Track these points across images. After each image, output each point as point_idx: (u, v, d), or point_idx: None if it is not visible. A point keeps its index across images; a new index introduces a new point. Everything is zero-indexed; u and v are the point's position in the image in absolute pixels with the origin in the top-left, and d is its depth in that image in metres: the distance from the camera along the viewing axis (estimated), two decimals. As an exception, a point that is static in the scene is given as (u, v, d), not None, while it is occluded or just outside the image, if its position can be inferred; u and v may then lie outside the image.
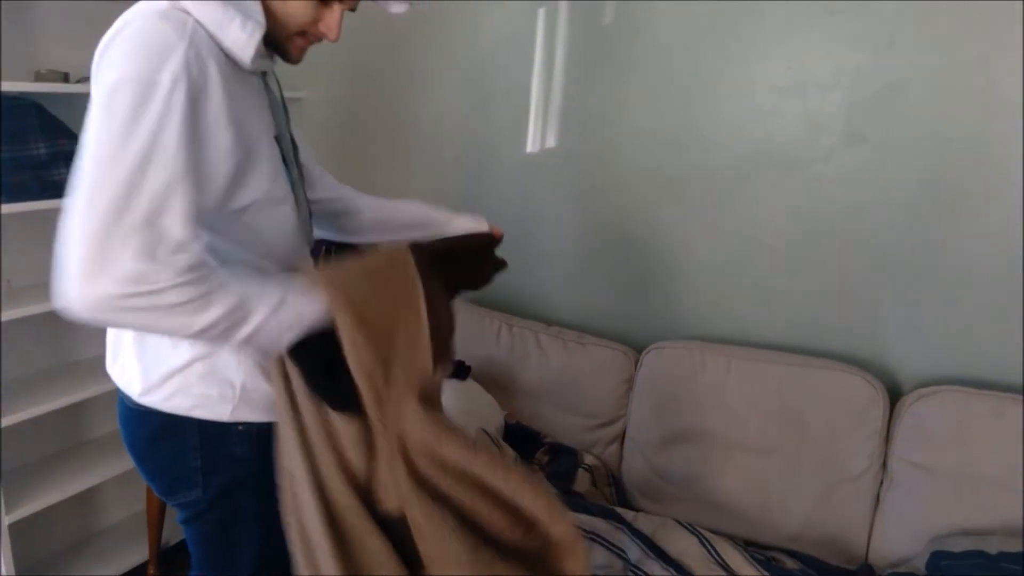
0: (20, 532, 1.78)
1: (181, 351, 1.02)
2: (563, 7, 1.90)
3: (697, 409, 1.70)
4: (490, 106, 2.06)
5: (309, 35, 1.02)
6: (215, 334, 0.87)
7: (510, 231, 2.07)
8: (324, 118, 2.42)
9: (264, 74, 1.06)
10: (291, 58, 1.05)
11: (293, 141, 1.13)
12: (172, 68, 0.86)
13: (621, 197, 1.91)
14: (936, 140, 1.52)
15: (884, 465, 1.55)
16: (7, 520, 1.72)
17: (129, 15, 0.91)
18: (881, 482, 1.56)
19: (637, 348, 1.86)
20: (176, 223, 0.84)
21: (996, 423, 1.44)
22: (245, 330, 0.89)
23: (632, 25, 1.80)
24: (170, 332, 0.92)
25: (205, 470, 1.08)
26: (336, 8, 1.00)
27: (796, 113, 1.65)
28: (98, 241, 0.80)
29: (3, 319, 1.68)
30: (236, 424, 1.06)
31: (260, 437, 1.08)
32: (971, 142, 1.49)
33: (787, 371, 1.64)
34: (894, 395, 1.59)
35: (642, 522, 1.50)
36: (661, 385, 1.75)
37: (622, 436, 1.83)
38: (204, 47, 0.90)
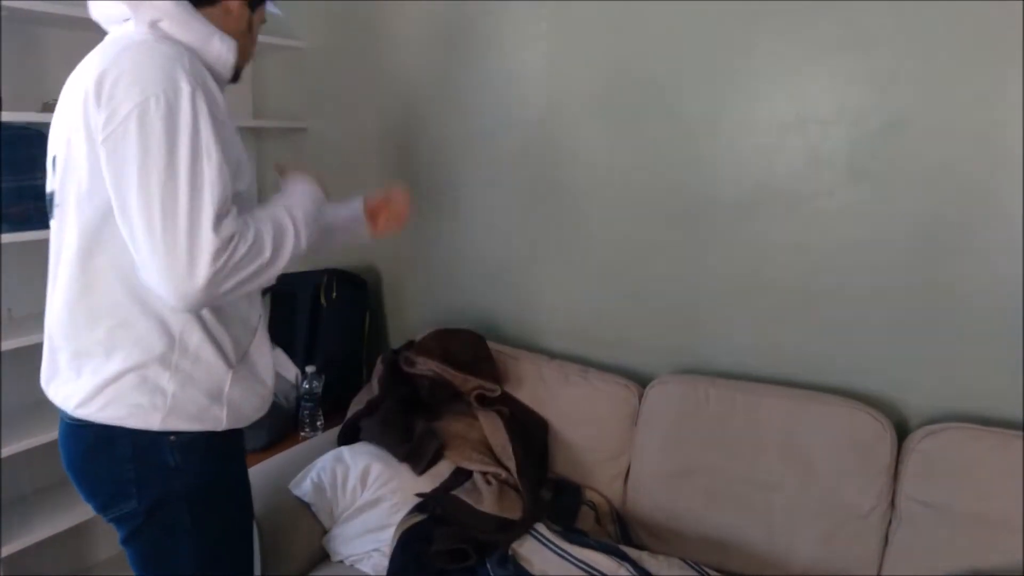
0: (15, 565, 1.75)
1: (114, 362, 1.07)
2: (568, 42, 1.91)
3: (702, 444, 1.68)
4: (496, 137, 2.07)
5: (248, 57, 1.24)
6: (284, 251, 1.07)
7: (512, 263, 2.09)
8: (325, 148, 2.44)
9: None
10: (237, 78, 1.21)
11: None
12: (186, 76, 0.99)
13: (624, 231, 1.91)
14: (938, 176, 1.52)
15: (892, 503, 1.53)
16: (2, 552, 1.70)
17: (114, 51, 1.00)
18: (890, 521, 1.53)
19: (641, 382, 1.85)
20: (218, 199, 0.99)
21: (1004, 461, 1.41)
22: (292, 232, 1.09)
23: (636, 60, 1.82)
24: (260, 277, 1.05)
25: (139, 481, 1.11)
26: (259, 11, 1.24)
27: (798, 149, 1.66)
28: (188, 242, 0.95)
29: (3, 348, 1.67)
30: (167, 434, 1.10)
31: (193, 448, 1.12)
32: (972, 179, 1.49)
33: (792, 406, 1.62)
34: (901, 431, 1.57)
35: (647, 561, 1.47)
36: (665, 420, 1.73)
37: (626, 472, 1.80)
38: (199, 63, 1.05)
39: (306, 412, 2.11)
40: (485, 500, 1.59)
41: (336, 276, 2.29)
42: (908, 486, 1.50)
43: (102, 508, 1.15)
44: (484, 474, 1.68)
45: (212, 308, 1.11)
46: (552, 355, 2.00)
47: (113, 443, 1.10)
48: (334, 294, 2.26)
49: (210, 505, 1.17)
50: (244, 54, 1.20)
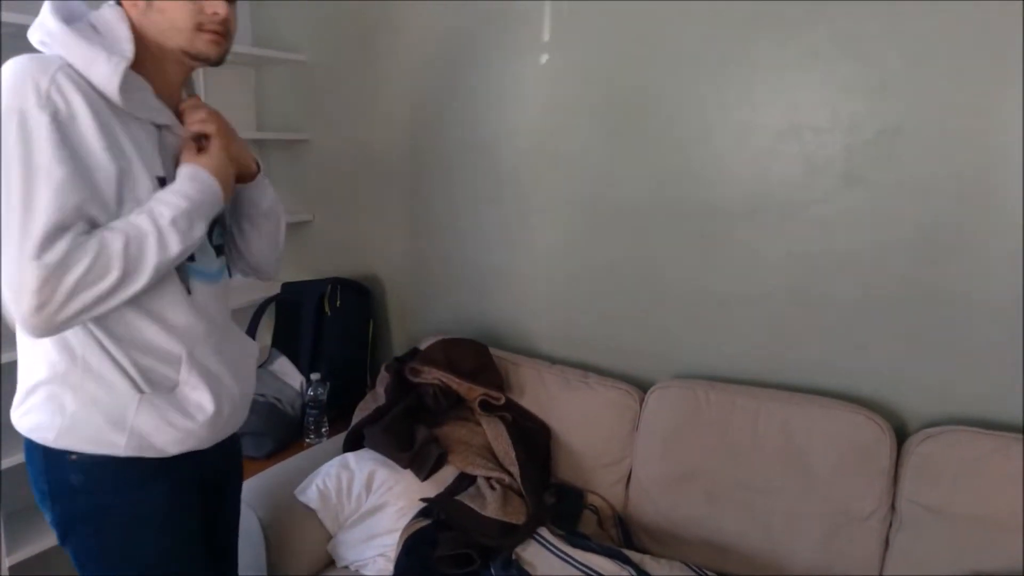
0: (20, 574, 1.77)
1: (32, 375, 1.10)
2: (565, 54, 1.94)
3: (702, 449, 1.70)
4: (496, 148, 2.09)
5: (206, 26, 1.07)
6: (144, 263, 0.99)
7: (512, 269, 2.11)
8: (327, 159, 2.46)
9: (162, 127, 1.10)
10: (210, 57, 1.09)
11: None
12: (32, 98, 0.94)
13: (622, 237, 1.93)
14: (933, 182, 1.54)
15: (892, 506, 1.54)
16: (8, 562, 1.71)
17: (11, 61, 0.99)
18: (890, 524, 1.54)
19: (641, 387, 1.87)
20: (49, 222, 0.93)
21: (1004, 464, 1.43)
22: (154, 239, 1.00)
23: (630, 70, 1.85)
24: (116, 295, 0.99)
25: (51, 495, 1.13)
26: None
27: (793, 155, 1.68)
28: (13, 271, 0.92)
29: (3, 360, 1.69)
30: (67, 452, 1.09)
31: (97, 471, 1.11)
32: (968, 184, 1.51)
33: (792, 410, 1.63)
34: (900, 434, 1.59)
35: (649, 564, 1.49)
36: (666, 424, 1.75)
37: (628, 476, 1.82)
38: (70, 82, 0.97)
39: (311, 419, 2.13)
40: (489, 505, 1.61)
41: (340, 285, 2.31)
42: (908, 489, 1.51)
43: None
44: (488, 479, 1.70)
45: (106, 331, 1.07)
46: (552, 360, 2.02)
47: (32, 454, 1.13)
48: (338, 303, 2.28)
49: (120, 534, 1.13)
50: (192, 38, 1.07)
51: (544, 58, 1.97)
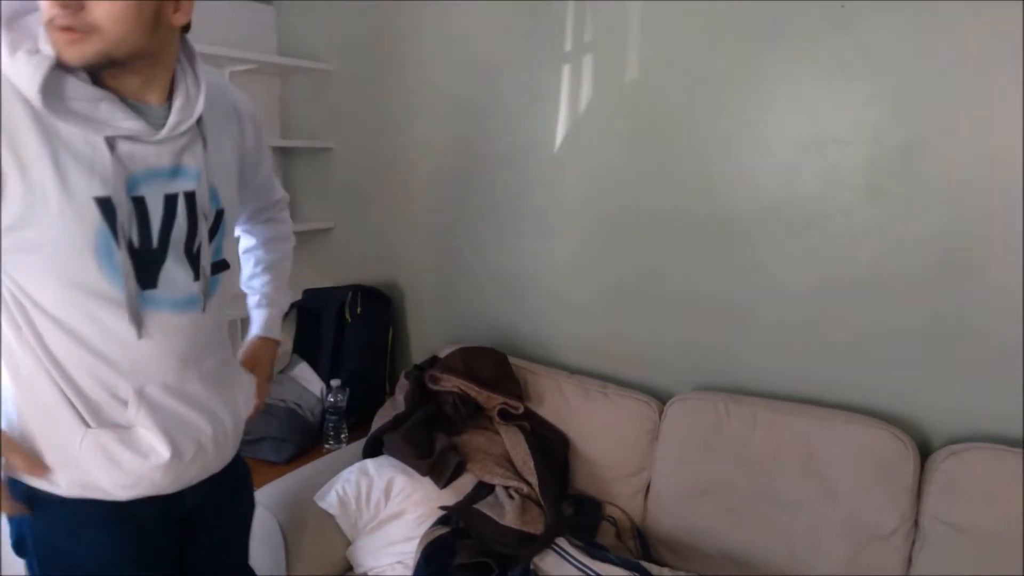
0: None
1: None
2: (587, 64, 1.95)
3: (722, 462, 1.69)
4: (516, 158, 2.10)
5: (55, 20, 0.86)
6: None
7: (532, 278, 2.12)
8: (350, 167, 2.49)
9: (115, 142, 0.95)
10: (65, 60, 0.89)
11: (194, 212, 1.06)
12: None
13: (641, 248, 1.93)
14: (956, 196, 1.53)
15: (916, 523, 1.52)
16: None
17: None
18: (913, 541, 1.52)
19: (661, 398, 1.86)
20: None
21: (1029, 481, 1.41)
22: None
23: (652, 81, 1.85)
24: None
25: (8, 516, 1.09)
26: None
27: (815, 169, 1.68)
28: None
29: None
30: (15, 481, 1.05)
31: (41, 504, 1.05)
32: (991, 198, 1.49)
33: (812, 424, 1.62)
34: (923, 451, 1.57)
35: (668, 577, 1.48)
36: (686, 437, 1.74)
37: (647, 488, 1.81)
38: None
39: (331, 425, 2.15)
40: (507, 514, 1.61)
41: (361, 292, 2.33)
42: (931, 506, 1.50)
43: None
44: (506, 488, 1.70)
45: (51, 359, 0.99)
46: (571, 370, 2.02)
47: None
48: (359, 310, 2.30)
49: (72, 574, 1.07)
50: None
51: (567, 69, 1.98)
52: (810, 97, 1.67)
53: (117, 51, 0.90)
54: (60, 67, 0.90)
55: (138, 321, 1.02)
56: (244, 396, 1.25)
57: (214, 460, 1.17)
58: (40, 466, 1.03)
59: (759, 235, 1.76)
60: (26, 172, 0.90)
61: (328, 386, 2.16)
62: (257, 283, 1.43)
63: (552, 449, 1.84)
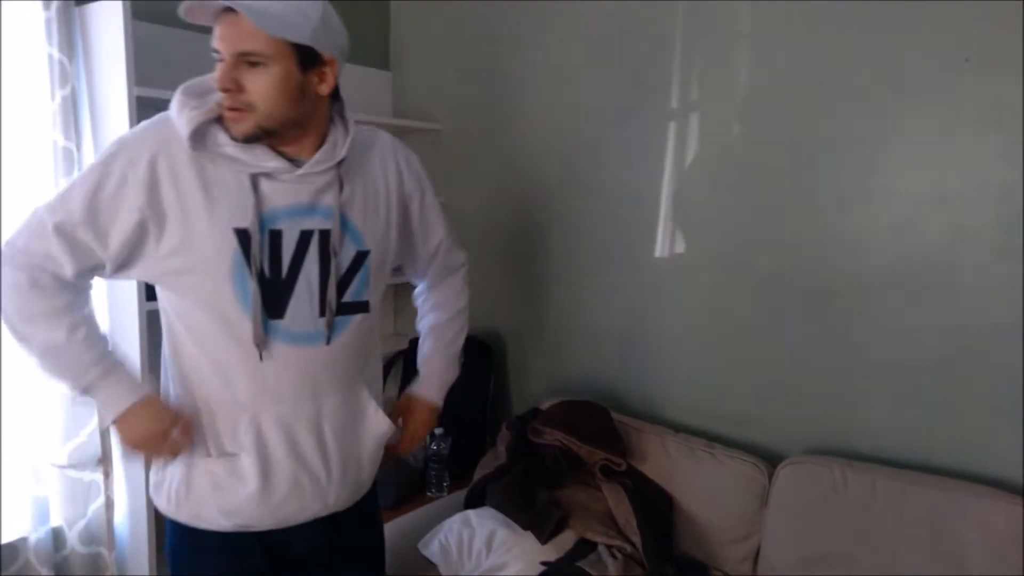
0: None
1: None
2: (693, 122, 1.97)
3: (839, 532, 1.60)
4: (621, 212, 2.12)
5: (223, 104, 1.06)
6: (26, 342, 1.10)
7: (636, 332, 2.11)
8: (460, 221, 2.57)
9: (258, 178, 1.08)
10: (231, 127, 1.07)
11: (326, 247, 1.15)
12: (128, 136, 1.10)
13: (751, 306, 1.90)
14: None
15: (1062, 613, 1.39)
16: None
17: None
18: (1059, 633, 1.39)
19: (770, 460, 1.79)
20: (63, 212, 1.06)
21: None
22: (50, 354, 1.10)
23: (762, 134, 1.84)
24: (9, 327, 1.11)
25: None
26: (221, 64, 1.05)
27: (940, 225, 1.61)
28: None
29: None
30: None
31: (171, 527, 1.22)
32: None
33: (941, 496, 1.52)
34: (1069, 531, 1.44)
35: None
36: (798, 503, 1.67)
37: (755, 554, 1.74)
38: (155, 135, 1.08)
39: (433, 473, 2.19)
40: (610, 574, 1.58)
41: (465, 342, 2.38)
42: (1080, 594, 1.36)
43: None
44: (609, 547, 1.68)
45: (185, 380, 1.14)
46: (675, 428, 1.98)
47: None
48: (462, 359, 2.34)
49: None
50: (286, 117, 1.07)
51: (674, 125, 2.00)
52: (931, 153, 1.61)
53: (269, 122, 1.06)
54: (217, 124, 1.07)
55: (260, 342, 1.10)
56: (372, 444, 1.25)
57: (313, 500, 1.18)
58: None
59: (878, 294, 1.70)
60: (184, 203, 1.06)
61: (432, 434, 2.20)
62: (425, 346, 1.49)
63: (655, 508, 1.80)
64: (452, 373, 1.50)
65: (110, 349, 1.15)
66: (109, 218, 1.06)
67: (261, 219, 1.08)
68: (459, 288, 1.51)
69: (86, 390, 1.12)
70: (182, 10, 1.02)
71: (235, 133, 1.06)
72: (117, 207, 1.06)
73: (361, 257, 1.19)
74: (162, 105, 1.81)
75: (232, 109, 1.04)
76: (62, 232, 1.06)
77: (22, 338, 1.10)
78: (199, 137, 1.06)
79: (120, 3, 1.64)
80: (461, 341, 1.52)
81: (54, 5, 1.67)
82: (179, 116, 1.06)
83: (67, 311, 1.10)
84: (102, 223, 1.06)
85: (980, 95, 1.54)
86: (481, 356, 2.43)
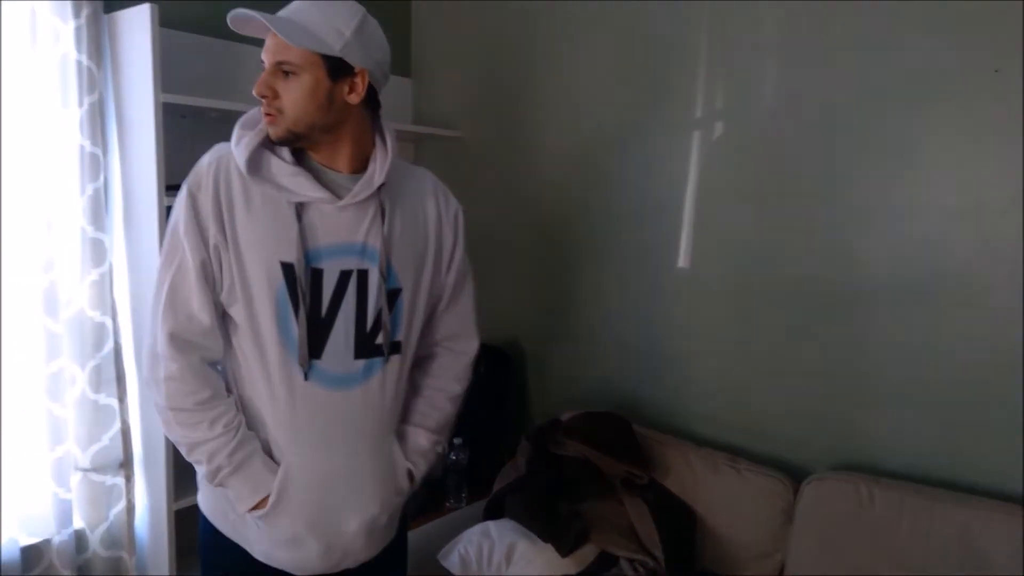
0: (185, 519, 1.84)
1: None
2: (718, 130, 1.95)
3: (866, 551, 1.57)
4: (642, 222, 2.11)
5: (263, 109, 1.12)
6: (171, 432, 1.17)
7: (658, 344, 2.09)
8: (480, 228, 2.56)
9: (302, 207, 1.12)
10: (270, 137, 1.14)
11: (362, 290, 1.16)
12: (192, 177, 1.13)
13: (775, 318, 1.87)
14: None
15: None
16: (174, 507, 1.83)
17: None
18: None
19: (794, 475, 1.77)
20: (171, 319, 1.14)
21: None
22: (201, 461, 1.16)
23: (787, 143, 1.82)
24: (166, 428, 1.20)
25: None
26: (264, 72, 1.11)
27: (969, 239, 1.59)
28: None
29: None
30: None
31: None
32: None
33: (972, 516, 1.49)
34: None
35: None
36: (824, 521, 1.64)
37: (780, 571, 1.71)
38: (215, 164, 1.12)
39: (451, 483, 2.17)
40: (632, 589, 1.57)
41: (484, 351, 2.36)
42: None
43: None
44: (631, 561, 1.66)
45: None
46: (698, 441, 1.96)
47: None
48: (481, 368, 2.33)
49: None
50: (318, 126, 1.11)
51: (697, 133, 1.98)
52: (960, 164, 1.59)
53: (297, 127, 1.11)
54: (268, 149, 1.12)
55: (304, 363, 1.12)
56: (400, 496, 1.28)
57: (344, 556, 1.21)
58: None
59: (905, 308, 1.67)
60: (236, 235, 1.11)
61: (451, 444, 2.19)
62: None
63: (678, 522, 1.78)
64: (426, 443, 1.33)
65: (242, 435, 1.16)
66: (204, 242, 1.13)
67: (306, 255, 1.11)
68: (460, 373, 1.41)
69: (220, 484, 1.16)
70: (232, 24, 1.09)
71: (272, 136, 1.11)
72: (204, 238, 1.12)
73: (393, 295, 1.19)
74: (187, 111, 1.85)
75: (267, 114, 1.10)
76: (199, 273, 1.11)
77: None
78: (254, 164, 1.11)
79: (148, 10, 1.65)
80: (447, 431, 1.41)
81: (84, 12, 1.69)
82: (237, 147, 1.12)
83: (211, 402, 1.15)
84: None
85: (1011, 105, 1.51)
86: (501, 366, 2.42)
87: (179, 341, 1.12)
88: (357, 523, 1.19)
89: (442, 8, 2.60)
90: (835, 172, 1.75)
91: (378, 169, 1.15)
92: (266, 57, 1.09)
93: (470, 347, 1.41)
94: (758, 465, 1.80)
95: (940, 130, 1.61)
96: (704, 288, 2.01)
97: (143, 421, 1.89)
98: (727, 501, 1.78)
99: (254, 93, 1.10)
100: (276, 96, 1.09)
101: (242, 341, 1.14)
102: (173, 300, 1.12)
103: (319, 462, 1.16)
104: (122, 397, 1.84)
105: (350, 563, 1.22)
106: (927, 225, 1.64)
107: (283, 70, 1.08)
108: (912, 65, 1.62)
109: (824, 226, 1.78)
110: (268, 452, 1.17)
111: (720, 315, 1.98)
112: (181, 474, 1.93)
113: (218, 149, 1.15)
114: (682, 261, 2.05)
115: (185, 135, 1.86)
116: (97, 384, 1.80)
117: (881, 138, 1.68)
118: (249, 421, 1.17)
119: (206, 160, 1.14)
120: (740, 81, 1.89)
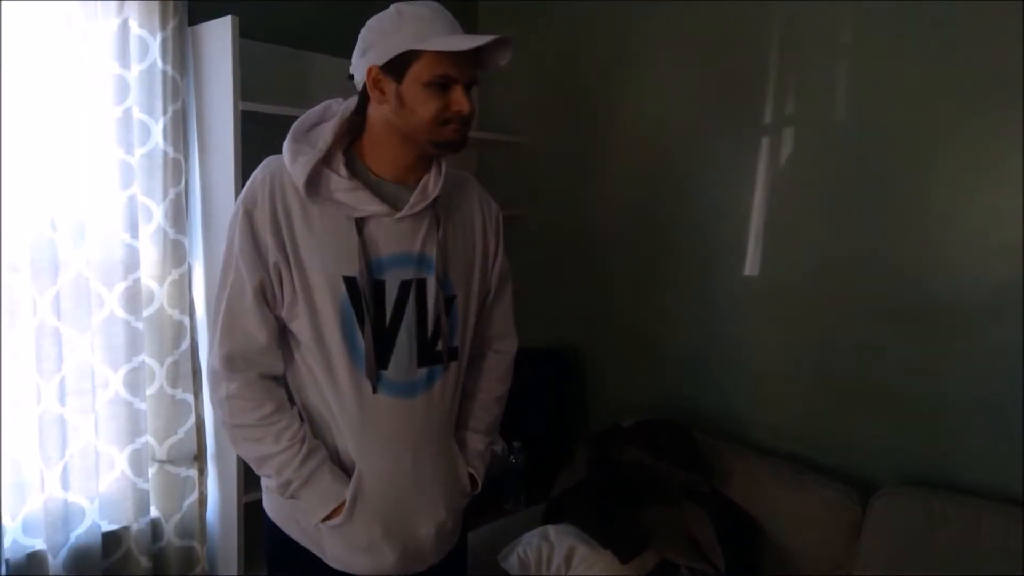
0: (254, 512, 1.90)
1: None
2: (787, 137, 1.92)
3: (940, 570, 1.52)
4: (707, 229, 2.09)
5: (451, 120, 1.10)
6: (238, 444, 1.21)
7: (722, 352, 2.06)
8: (542, 233, 2.58)
9: (362, 221, 1.11)
10: (454, 144, 1.12)
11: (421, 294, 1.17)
12: (246, 196, 1.12)
13: (846, 327, 1.83)
14: None
15: None
16: (243, 500, 1.88)
17: None
18: None
19: (862, 488, 1.72)
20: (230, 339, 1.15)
21: None
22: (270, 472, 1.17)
23: (859, 150, 1.78)
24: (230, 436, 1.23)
25: None
26: (457, 89, 1.08)
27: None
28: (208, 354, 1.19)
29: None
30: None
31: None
32: None
33: (1054, 537, 1.43)
34: None
35: None
36: (895, 536, 1.59)
37: (847, 587, 1.67)
38: (269, 180, 1.11)
39: (510, 486, 2.19)
40: (693, 598, 1.55)
41: (543, 354, 2.38)
42: None
43: None
44: (691, 569, 1.64)
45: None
46: (761, 450, 1.93)
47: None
48: (542, 372, 2.35)
49: None
50: (435, 131, 1.11)
51: (766, 141, 1.96)
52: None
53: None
54: (325, 164, 1.11)
55: (373, 376, 1.13)
56: (463, 497, 1.29)
57: (415, 561, 1.23)
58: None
59: (982, 321, 1.61)
60: (297, 251, 1.11)
61: (510, 447, 2.21)
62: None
63: (739, 532, 1.75)
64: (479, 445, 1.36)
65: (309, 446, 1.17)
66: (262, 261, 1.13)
67: (369, 267, 1.12)
68: (503, 374, 1.43)
69: (291, 496, 1.17)
70: (467, 46, 1.06)
71: (455, 142, 1.13)
72: (263, 257, 1.12)
73: (448, 302, 1.20)
74: (264, 119, 1.92)
75: (462, 124, 1.13)
76: (256, 292, 1.12)
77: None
78: (313, 183, 1.10)
79: (229, 23, 1.72)
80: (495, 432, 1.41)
81: (170, 25, 1.77)
82: (293, 166, 1.10)
83: (274, 416, 1.16)
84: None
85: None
86: (560, 370, 2.42)
87: (237, 361, 1.13)
88: (428, 527, 1.21)
89: (508, 10, 2.63)
90: (910, 180, 1.70)
91: (432, 180, 1.16)
92: (463, 74, 1.08)
93: (511, 346, 1.43)
94: (824, 477, 1.76)
95: (1020, 135, 1.55)
96: (772, 296, 1.97)
97: (214, 416, 1.97)
98: (791, 513, 1.75)
99: (464, 111, 1.09)
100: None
101: (306, 354, 1.15)
102: (230, 320, 1.13)
103: (389, 470, 1.18)
104: (197, 392, 1.93)
105: (421, 567, 1.24)
106: (1006, 235, 1.57)
107: (469, 85, 1.10)
108: (994, 68, 1.56)
109: (898, 235, 1.73)
110: (336, 460, 1.18)
111: (787, 323, 1.95)
112: (250, 468, 2.00)
113: (269, 163, 1.14)
114: (748, 269, 2.02)
115: (260, 141, 1.92)
116: (175, 379, 1.89)
117: (961, 145, 1.62)
118: (315, 430, 1.19)
119: (259, 176, 1.13)
120: (813, 86, 1.86)
